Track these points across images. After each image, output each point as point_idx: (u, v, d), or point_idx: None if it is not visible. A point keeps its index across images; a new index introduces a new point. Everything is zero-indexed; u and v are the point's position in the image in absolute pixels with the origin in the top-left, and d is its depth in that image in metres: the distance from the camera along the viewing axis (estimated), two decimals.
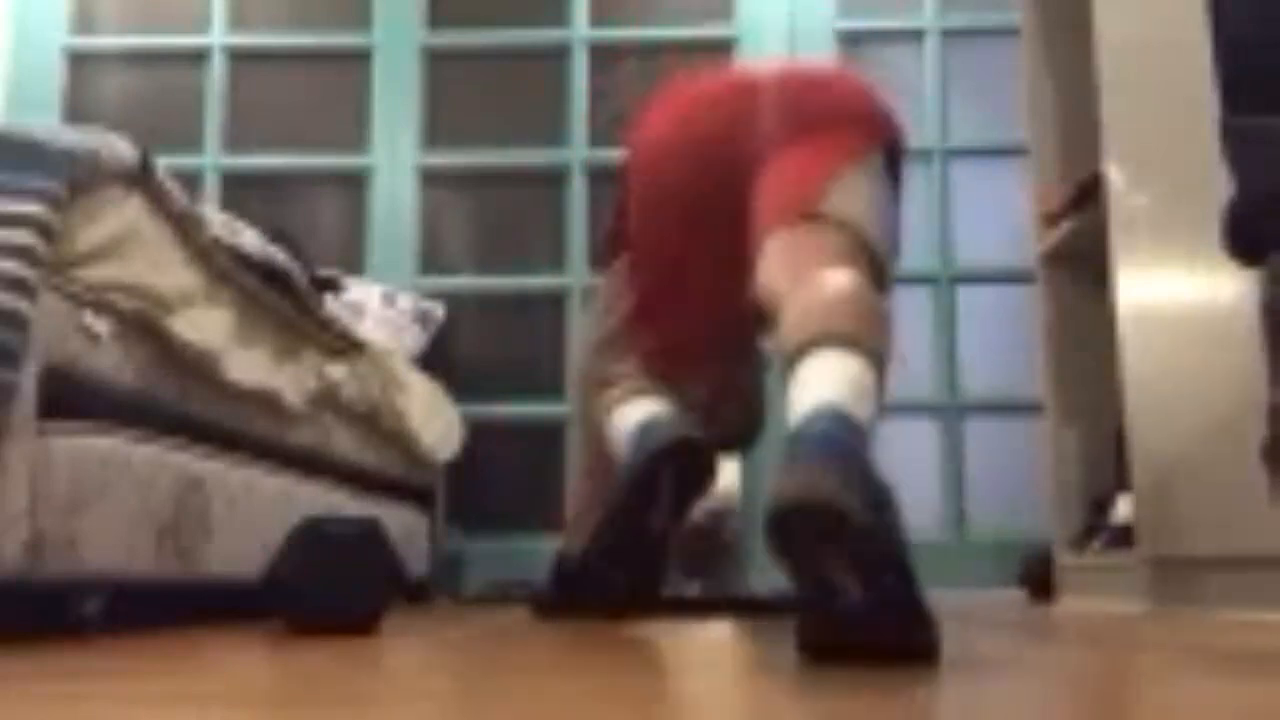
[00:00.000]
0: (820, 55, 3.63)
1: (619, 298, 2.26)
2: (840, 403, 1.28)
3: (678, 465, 1.94)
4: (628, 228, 2.20)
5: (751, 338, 2.34)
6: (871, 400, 1.35)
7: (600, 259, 2.44)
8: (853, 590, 1.07)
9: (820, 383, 1.33)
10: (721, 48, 3.76)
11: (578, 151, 3.70)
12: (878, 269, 1.68)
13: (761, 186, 1.82)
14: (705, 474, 1.99)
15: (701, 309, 2.14)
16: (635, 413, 2.04)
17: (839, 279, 1.49)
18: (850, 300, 1.46)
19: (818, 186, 1.71)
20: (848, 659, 1.07)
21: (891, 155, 1.93)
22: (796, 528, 1.10)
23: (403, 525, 2.84)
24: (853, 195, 1.72)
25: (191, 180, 3.64)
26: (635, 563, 1.97)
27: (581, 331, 2.54)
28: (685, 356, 2.21)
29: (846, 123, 1.85)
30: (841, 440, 1.21)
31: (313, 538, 1.63)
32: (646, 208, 2.11)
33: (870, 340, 1.40)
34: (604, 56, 3.79)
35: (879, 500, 1.14)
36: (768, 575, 3.30)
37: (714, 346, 2.25)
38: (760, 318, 1.71)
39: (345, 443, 2.57)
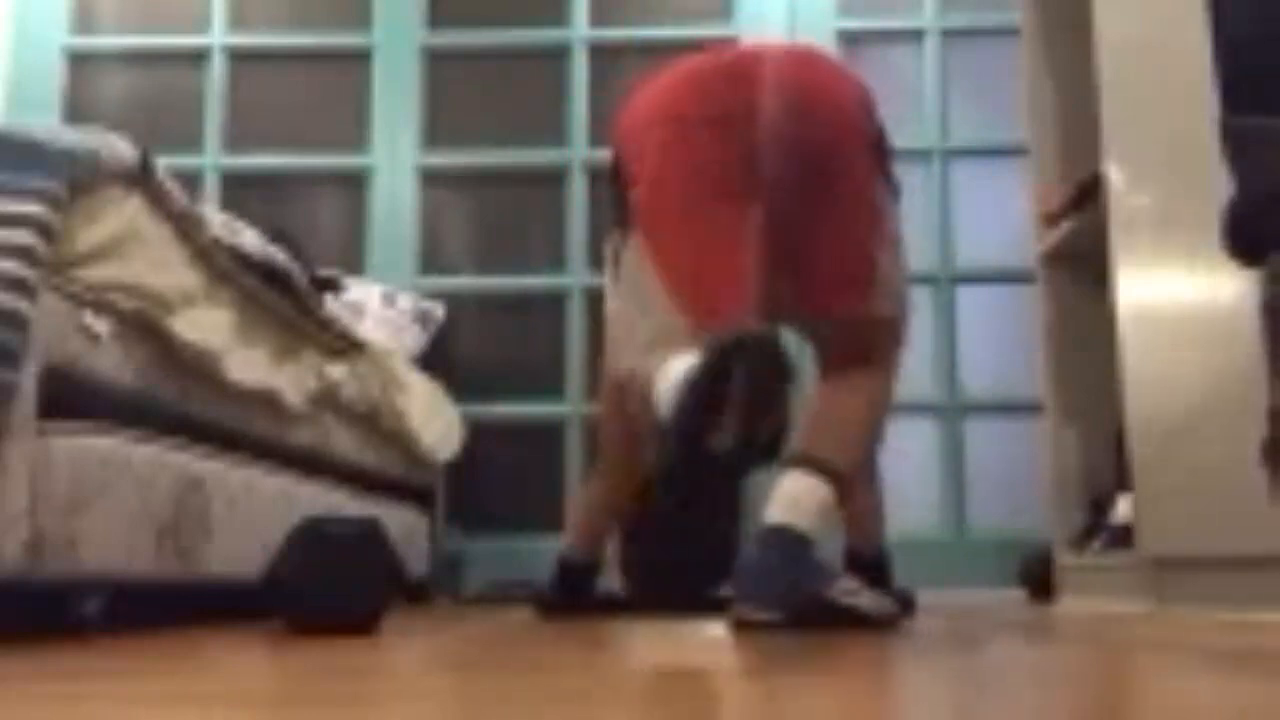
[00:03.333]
0: None
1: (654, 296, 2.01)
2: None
3: (752, 363, 1.54)
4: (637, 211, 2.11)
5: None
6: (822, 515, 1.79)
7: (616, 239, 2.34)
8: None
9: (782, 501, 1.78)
10: None
11: (578, 151, 3.70)
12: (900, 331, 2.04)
13: (811, 281, 1.98)
14: (782, 381, 1.57)
15: (737, 282, 2.03)
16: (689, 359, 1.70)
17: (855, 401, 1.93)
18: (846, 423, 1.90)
19: (863, 308, 1.96)
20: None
21: (882, 150, 2.01)
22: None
23: (403, 525, 2.84)
24: (885, 288, 1.97)
25: (191, 180, 3.63)
26: (700, 506, 1.57)
27: (613, 323, 2.34)
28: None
29: (854, 162, 1.95)
30: None
31: (313, 538, 1.63)
32: (667, 188, 2.01)
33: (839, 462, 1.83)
34: (604, 56, 3.79)
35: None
36: None
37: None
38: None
39: (345, 443, 2.57)
